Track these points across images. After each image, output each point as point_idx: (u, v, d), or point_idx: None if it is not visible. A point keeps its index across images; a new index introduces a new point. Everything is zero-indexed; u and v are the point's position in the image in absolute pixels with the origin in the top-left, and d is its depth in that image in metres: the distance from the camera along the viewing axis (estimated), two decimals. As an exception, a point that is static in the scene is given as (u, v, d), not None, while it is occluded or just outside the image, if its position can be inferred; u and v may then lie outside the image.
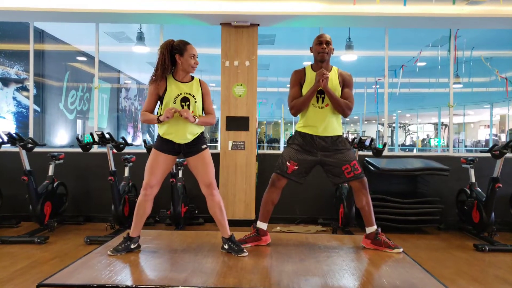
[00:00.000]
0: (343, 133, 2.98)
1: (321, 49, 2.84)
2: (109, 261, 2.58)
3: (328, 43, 2.86)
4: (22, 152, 4.25)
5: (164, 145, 2.75)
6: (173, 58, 2.72)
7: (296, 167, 2.87)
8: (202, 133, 2.85)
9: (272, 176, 2.99)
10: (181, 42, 2.74)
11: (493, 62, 7.44)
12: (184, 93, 2.71)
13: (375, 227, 2.95)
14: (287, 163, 2.89)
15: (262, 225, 3.05)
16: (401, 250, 2.88)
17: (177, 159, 2.90)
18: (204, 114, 2.83)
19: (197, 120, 2.67)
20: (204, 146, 2.79)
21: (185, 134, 2.72)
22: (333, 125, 2.89)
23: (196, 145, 2.76)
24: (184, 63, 2.71)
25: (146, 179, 2.73)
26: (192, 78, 2.84)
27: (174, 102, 2.69)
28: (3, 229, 4.57)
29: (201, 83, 2.83)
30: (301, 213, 5.14)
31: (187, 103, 2.71)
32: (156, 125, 2.80)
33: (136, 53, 7.23)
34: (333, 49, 2.91)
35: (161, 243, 3.06)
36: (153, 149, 2.78)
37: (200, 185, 2.78)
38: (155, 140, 2.87)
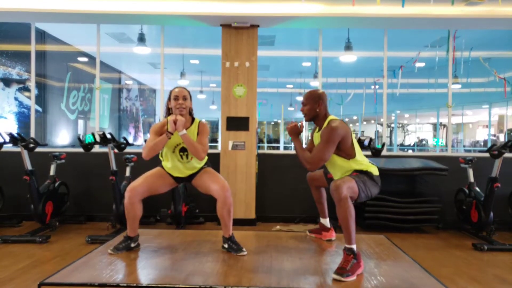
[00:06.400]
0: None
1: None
2: (110, 260, 2.61)
3: (303, 104, 2.81)
4: (23, 152, 4.28)
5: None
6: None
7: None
8: (206, 163, 2.93)
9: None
10: (172, 89, 2.82)
11: (492, 62, 7.46)
12: (183, 142, 2.72)
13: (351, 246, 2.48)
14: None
15: (323, 220, 3.27)
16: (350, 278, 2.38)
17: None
18: None
19: (184, 132, 2.63)
20: (205, 166, 2.90)
21: (184, 172, 2.84)
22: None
23: (197, 172, 2.87)
24: (172, 106, 2.75)
25: (133, 182, 2.74)
26: (193, 121, 2.85)
27: (173, 152, 2.78)
28: (5, 229, 4.59)
29: (199, 125, 2.84)
30: (300, 212, 5.16)
31: (186, 153, 2.77)
32: (160, 156, 2.89)
33: (137, 54, 7.27)
34: (313, 109, 2.73)
35: (162, 242, 3.09)
36: (158, 166, 2.89)
37: (214, 193, 2.73)
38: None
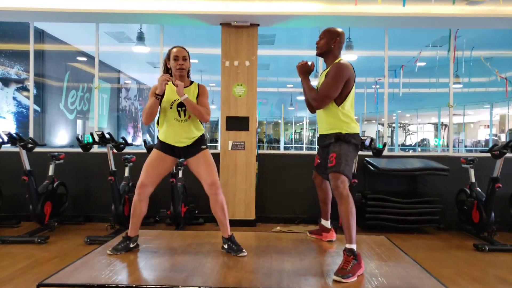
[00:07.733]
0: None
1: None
2: (109, 261, 2.59)
3: (320, 37, 2.78)
4: (22, 152, 4.25)
5: (164, 146, 2.78)
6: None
7: (319, 161, 2.93)
8: (202, 135, 2.86)
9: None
10: (171, 48, 2.80)
11: (493, 62, 7.45)
12: (179, 98, 2.69)
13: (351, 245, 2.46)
14: (316, 157, 2.97)
15: (324, 222, 3.19)
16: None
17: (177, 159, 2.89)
18: None
19: (186, 96, 2.63)
20: (204, 146, 2.80)
21: (181, 138, 2.75)
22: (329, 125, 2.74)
23: (195, 146, 2.77)
24: (172, 67, 2.75)
25: (140, 178, 2.74)
26: (191, 83, 2.85)
27: (171, 107, 2.73)
28: (3, 229, 4.57)
29: (199, 86, 2.84)
30: (301, 213, 5.14)
31: (183, 108, 2.73)
32: (156, 125, 2.82)
33: (136, 53, 7.24)
34: (327, 44, 2.71)
35: (161, 243, 3.07)
36: (153, 149, 2.82)
37: (204, 185, 2.76)
38: (155, 140, 2.89)
